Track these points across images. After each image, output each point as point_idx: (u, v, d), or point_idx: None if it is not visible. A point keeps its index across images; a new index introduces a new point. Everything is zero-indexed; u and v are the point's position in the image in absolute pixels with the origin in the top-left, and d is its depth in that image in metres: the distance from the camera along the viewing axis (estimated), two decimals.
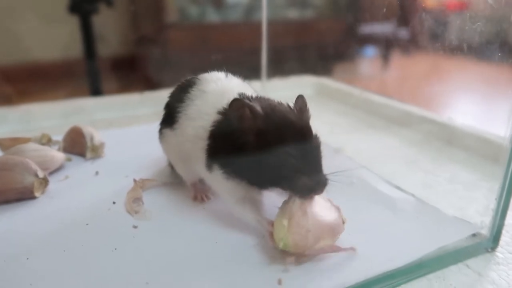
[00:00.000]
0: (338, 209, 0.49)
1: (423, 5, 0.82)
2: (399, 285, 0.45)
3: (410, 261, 0.45)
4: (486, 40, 0.53)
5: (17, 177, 0.56)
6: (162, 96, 0.62)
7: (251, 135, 0.46)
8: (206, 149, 0.50)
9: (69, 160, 0.69)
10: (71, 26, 1.59)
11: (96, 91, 1.59)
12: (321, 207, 0.47)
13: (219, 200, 0.58)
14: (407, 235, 0.50)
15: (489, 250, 0.50)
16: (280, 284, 0.42)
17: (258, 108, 0.46)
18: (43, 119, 0.92)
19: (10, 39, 1.60)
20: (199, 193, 0.58)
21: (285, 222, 0.45)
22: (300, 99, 0.50)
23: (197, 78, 0.57)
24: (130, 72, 1.95)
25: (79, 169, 0.67)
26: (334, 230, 0.46)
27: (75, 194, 0.60)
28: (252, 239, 0.49)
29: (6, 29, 1.58)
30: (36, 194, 0.58)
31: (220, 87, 0.54)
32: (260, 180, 0.48)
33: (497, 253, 0.50)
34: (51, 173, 0.64)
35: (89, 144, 0.70)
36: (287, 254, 0.45)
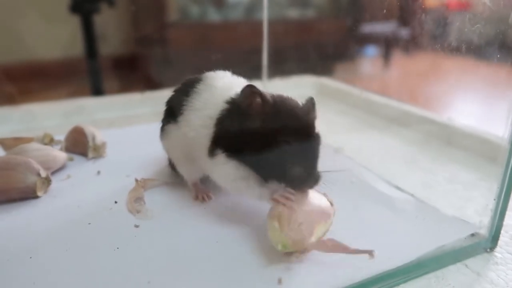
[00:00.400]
0: (323, 194, 0.50)
1: (424, 5, 0.83)
2: (398, 284, 0.45)
3: (409, 260, 0.46)
4: (486, 40, 0.53)
5: (19, 176, 0.57)
6: (163, 95, 0.62)
7: (258, 120, 0.48)
8: (213, 136, 0.51)
9: (71, 159, 0.69)
10: (72, 25, 1.59)
11: (97, 90, 1.59)
12: (305, 198, 0.48)
13: (220, 200, 0.58)
14: (406, 235, 0.51)
15: (488, 250, 0.51)
16: (280, 283, 0.42)
17: (268, 96, 0.48)
18: (44, 118, 0.93)
19: (12, 38, 1.61)
20: (200, 193, 0.58)
21: (275, 224, 0.45)
22: (310, 100, 0.51)
23: (204, 75, 0.58)
24: (131, 71, 1.95)
25: (81, 168, 0.68)
26: (324, 213, 0.47)
27: (77, 193, 0.60)
28: (253, 239, 0.50)
29: (8, 28, 1.58)
30: (39, 193, 0.58)
31: (228, 83, 0.56)
32: (258, 165, 0.49)
33: (496, 253, 0.50)
34: (54, 172, 0.65)
35: (91, 143, 0.70)
36: (290, 254, 0.45)
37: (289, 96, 0.51)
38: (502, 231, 0.51)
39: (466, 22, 0.54)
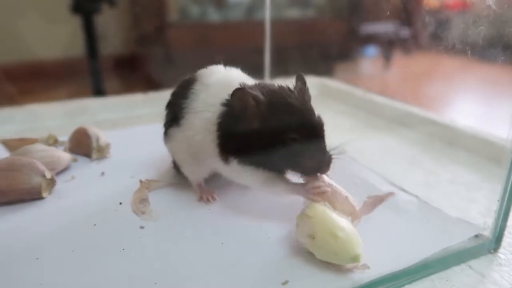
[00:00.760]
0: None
1: (426, 5, 0.83)
2: (402, 285, 0.45)
3: (414, 262, 0.46)
4: (490, 42, 0.53)
5: (24, 177, 0.57)
6: (166, 96, 0.62)
7: (256, 122, 0.48)
8: (218, 142, 0.51)
9: (75, 160, 0.70)
10: (73, 25, 1.60)
11: (98, 90, 1.59)
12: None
13: (225, 201, 0.58)
14: (411, 236, 0.51)
15: (491, 251, 0.51)
16: (286, 285, 0.43)
17: (260, 95, 0.48)
18: (47, 119, 0.93)
19: (13, 39, 1.61)
20: (205, 194, 0.59)
21: (340, 233, 0.45)
22: (299, 79, 0.52)
23: (198, 74, 0.58)
24: (131, 71, 1.95)
25: (85, 169, 0.68)
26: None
27: (82, 194, 0.60)
28: (258, 240, 0.50)
29: (9, 28, 1.58)
30: (44, 194, 0.58)
31: (222, 78, 0.56)
32: (272, 164, 0.50)
33: (499, 254, 0.51)
34: (58, 173, 0.65)
35: (94, 145, 0.70)
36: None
37: (278, 85, 0.51)
38: (505, 232, 0.51)
39: (470, 23, 0.55)
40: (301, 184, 0.51)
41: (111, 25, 1.90)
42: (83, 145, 0.71)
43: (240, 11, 2.25)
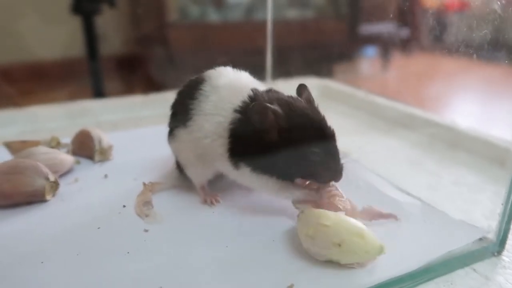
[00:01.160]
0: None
1: (425, 5, 0.83)
2: None
3: (419, 265, 0.46)
4: (489, 43, 0.53)
5: (28, 180, 0.57)
6: (167, 97, 0.62)
7: (274, 134, 0.49)
8: (229, 147, 0.52)
9: (78, 163, 0.69)
10: (72, 26, 1.59)
11: (98, 91, 1.59)
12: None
13: (228, 204, 0.58)
14: (415, 239, 0.51)
15: (495, 254, 0.51)
16: None
17: (278, 109, 0.49)
18: (48, 120, 0.93)
19: (12, 39, 1.60)
20: (208, 197, 0.59)
21: (365, 231, 0.46)
22: (303, 88, 0.54)
23: (206, 75, 0.58)
24: (131, 71, 1.95)
25: (88, 172, 0.68)
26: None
27: (85, 197, 0.60)
28: (263, 242, 0.50)
29: (9, 29, 1.58)
30: (47, 197, 0.58)
31: (232, 81, 0.56)
32: (286, 174, 0.52)
33: (503, 257, 0.51)
34: (61, 176, 0.65)
35: (97, 147, 0.70)
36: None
37: (291, 96, 0.53)
38: (509, 235, 0.51)
39: (472, 26, 0.55)
40: (313, 189, 0.53)
41: (111, 26, 1.89)
42: (86, 147, 0.71)
43: (240, 12, 2.25)
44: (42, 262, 0.46)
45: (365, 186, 0.63)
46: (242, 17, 2.25)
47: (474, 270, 0.49)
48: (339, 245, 0.45)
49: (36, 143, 0.68)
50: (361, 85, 1.20)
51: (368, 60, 1.99)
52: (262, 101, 0.50)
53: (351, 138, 0.88)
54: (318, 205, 0.52)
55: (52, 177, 0.59)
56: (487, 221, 0.52)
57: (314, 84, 1.19)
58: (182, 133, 0.57)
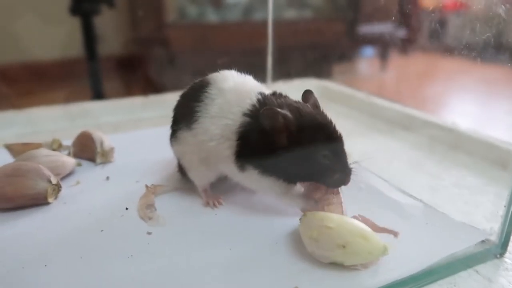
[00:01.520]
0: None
1: (423, 6, 0.83)
2: None
3: (421, 268, 0.46)
4: (488, 44, 0.54)
5: (30, 183, 0.57)
6: (166, 99, 0.62)
7: (284, 138, 0.50)
8: (236, 150, 0.52)
9: (79, 165, 0.69)
10: (71, 26, 1.59)
11: (96, 91, 1.59)
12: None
13: (231, 206, 0.59)
14: (417, 242, 0.51)
15: (498, 256, 0.51)
16: None
17: (289, 114, 0.49)
18: (48, 122, 0.93)
19: (11, 39, 1.60)
20: (211, 199, 0.59)
21: (368, 233, 0.46)
22: (310, 94, 0.55)
23: (211, 78, 0.58)
24: (130, 71, 1.95)
25: (90, 174, 0.68)
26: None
27: (87, 199, 0.60)
28: (265, 244, 0.50)
29: (6, 29, 1.57)
30: (49, 200, 0.58)
31: (238, 85, 0.56)
32: (294, 177, 0.53)
33: (506, 259, 0.51)
34: (63, 178, 0.65)
35: (99, 149, 0.70)
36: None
37: (299, 102, 0.53)
38: (511, 237, 0.52)
39: (471, 26, 0.55)
40: (311, 202, 0.54)
41: (110, 26, 1.89)
42: (87, 150, 0.71)
43: (238, 12, 2.25)
44: (45, 265, 0.46)
45: (366, 188, 0.63)
46: (241, 17, 2.25)
47: (477, 272, 0.49)
48: (344, 246, 0.45)
49: (37, 146, 0.68)
50: (360, 85, 1.20)
51: (367, 60, 1.99)
52: (273, 106, 0.50)
53: (351, 140, 0.88)
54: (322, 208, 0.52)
55: (54, 180, 0.59)
56: (489, 223, 0.52)
57: (313, 85, 1.20)
58: (186, 136, 0.57)
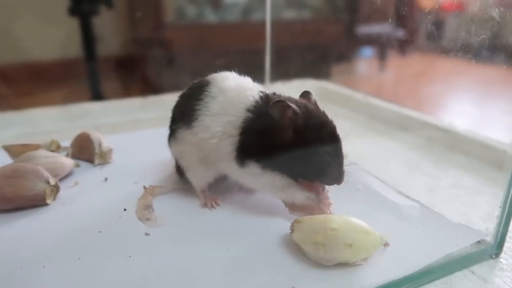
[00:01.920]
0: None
1: (422, 6, 0.83)
2: None
3: (417, 268, 0.46)
4: (484, 45, 0.54)
5: (29, 184, 0.57)
6: (165, 100, 0.63)
7: (290, 132, 0.51)
8: (238, 146, 0.53)
9: (77, 166, 0.70)
10: (70, 26, 1.59)
11: (95, 92, 1.59)
12: None
13: (229, 207, 0.59)
14: (414, 242, 0.51)
15: (493, 256, 0.52)
16: None
17: (297, 109, 0.50)
18: (46, 123, 0.93)
19: (10, 40, 1.60)
20: (209, 200, 0.59)
21: (368, 227, 0.48)
22: (308, 95, 0.56)
23: (211, 78, 0.58)
24: (128, 72, 1.95)
25: (88, 175, 0.68)
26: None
27: (86, 200, 0.60)
28: (263, 245, 0.50)
29: (6, 29, 1.57)
30: (48, 201, 0.58)
31: (238, 84, 0.57)
32: (295, 172, 0.53)
33: (501, 260, 0.51)
34: (61, 179, 0.65)
35: (97, 150, 0.70)
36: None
37: (304, 100, 0.54)
38: (506, 238, 0.52)
39: (469, 29, 0.56)
40: (312, 195, 0.55)
41: (108, 27, 1.89)
42: (85, 151, 0.71)
43: (237, 12, 2.25)
44: (44, 266, 0.47)
45: (363, 189, 0.63)
46: (239, 18, 2.25)
47: (472, 272, 0.49)
48: (351, 245, 0.45)
49: (36, 147, 0.68)
50: (359, 86, 1.21)
51: (365, 61, 2.00)
52: (283, 101, 0.51)
53: (349, 140, 0.88)
54: (309, 210, 0.54)
55: (52, 181, 0.59)
56: (485, 224, 0.53)
57: (311, 86, 1.20)
58: (185, 135, 0.58)
